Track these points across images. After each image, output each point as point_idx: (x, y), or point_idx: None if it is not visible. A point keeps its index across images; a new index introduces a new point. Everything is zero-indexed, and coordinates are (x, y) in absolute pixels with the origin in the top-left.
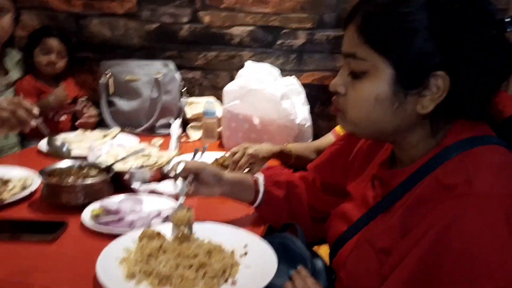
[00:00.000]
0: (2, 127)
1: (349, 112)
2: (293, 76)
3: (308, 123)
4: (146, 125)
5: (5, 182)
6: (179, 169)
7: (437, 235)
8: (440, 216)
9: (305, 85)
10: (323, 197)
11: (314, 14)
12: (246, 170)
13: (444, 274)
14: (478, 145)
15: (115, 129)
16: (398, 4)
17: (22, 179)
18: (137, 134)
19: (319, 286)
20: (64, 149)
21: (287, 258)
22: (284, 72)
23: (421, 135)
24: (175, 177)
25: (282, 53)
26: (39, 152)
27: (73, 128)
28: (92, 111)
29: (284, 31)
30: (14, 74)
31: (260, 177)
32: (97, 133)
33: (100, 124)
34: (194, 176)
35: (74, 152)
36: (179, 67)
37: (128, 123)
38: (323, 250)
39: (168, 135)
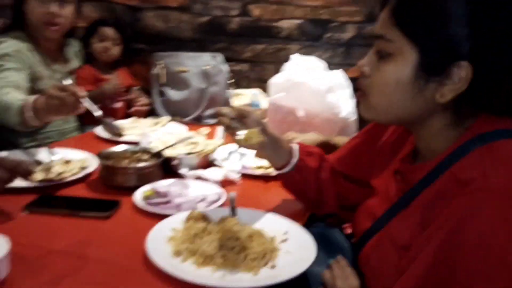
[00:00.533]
0: (59, 115)
1: (371, 95)
2: (340, 70)
3: (353, 117)
4: (194, 115)
5: (67, 162)
6: (227, 110)
7: (451, 231)
8: (454, 212)
9: (352, 79)
10: (344, 184)
11: (364, 7)
12: None
13: (457, 269)
14: (498, 138)
15: (166, 118)
16: None
17: (81, 160)
18: (185, 123)
19: (357, 276)
20: (115, 125)
21: (327, 248)
22: (331, 66)
23: (441, 125)
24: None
25: (330, 46)
26: (97, 136)
27: (127, 115)
28: (144, 99)
29: (333, 24)
30: (74, 62)
31: (295, 146)
32: (149, 120)
33: (152, 112)
34: (240, 120)
35: (128, 138)
36: (228, 60)
37: (177, 112)
38: None
39: (215, 124)
